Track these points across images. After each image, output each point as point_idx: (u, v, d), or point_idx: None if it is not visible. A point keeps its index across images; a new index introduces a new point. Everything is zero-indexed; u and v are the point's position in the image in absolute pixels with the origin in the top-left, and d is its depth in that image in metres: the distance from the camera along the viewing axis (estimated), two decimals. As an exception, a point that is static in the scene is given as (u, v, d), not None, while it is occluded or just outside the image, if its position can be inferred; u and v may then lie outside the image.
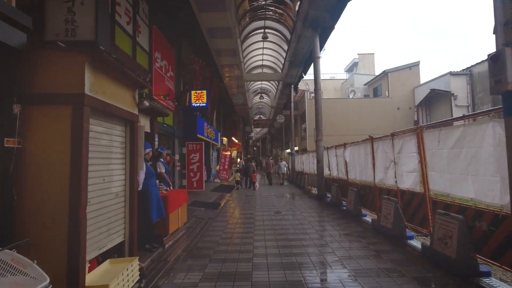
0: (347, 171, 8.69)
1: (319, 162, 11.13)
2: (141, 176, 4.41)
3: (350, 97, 29.87)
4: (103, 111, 3.21)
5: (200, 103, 12.38)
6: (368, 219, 7.21)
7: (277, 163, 18.96)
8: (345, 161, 8.75)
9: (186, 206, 7.29)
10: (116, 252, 3.76)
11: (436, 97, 23.13)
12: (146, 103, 4.13)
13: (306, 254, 4.71)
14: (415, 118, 25.66)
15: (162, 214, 4.80)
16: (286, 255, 4.66)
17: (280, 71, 21.38)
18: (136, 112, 4.00)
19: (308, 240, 5.52)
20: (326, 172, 11.18)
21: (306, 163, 15.76)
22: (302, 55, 14.99)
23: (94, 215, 3.10)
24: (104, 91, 3.07)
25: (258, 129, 57.87)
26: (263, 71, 23.54)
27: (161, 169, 6.46)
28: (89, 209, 2.97)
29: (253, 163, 18.34)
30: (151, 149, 4.91)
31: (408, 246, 4.96)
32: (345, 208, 8.78)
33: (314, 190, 13.69)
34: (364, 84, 30.36)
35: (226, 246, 5.13)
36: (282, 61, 20.49)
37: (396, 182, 5.61)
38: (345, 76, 38.51)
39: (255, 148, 70.43)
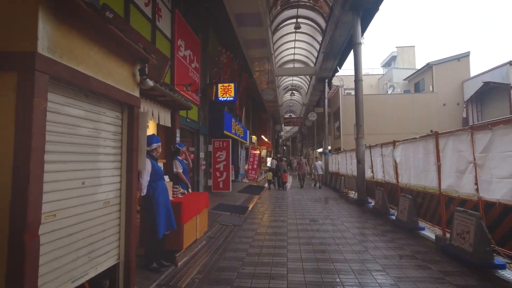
0: (397, 174, 7.32)
1: (360, 162, 9.76)
2: (145, 178, 3.48)
3: (389, 93, 27.67)
4: (80, 87, 2.26)
5: (227, 97, 11.46)
6: (429, 234, 5.84)
7: (312, 162, 17.13)
8: (395, 162, 7.38)
9: (208, 211, 6.36)
10: (107, 277, 2.84)
11: (491, 91, 20.55)
12: (150, 82, 3.19)
13: (359, 286, 3.54)
14: (464, 115, 23.14)
15: (173, 226, 3.85)
16: (331, 285, 3.52)
17: (313, 65, 20.03)
18: (136, 93, 3.06)
19: (357, 262, 4.33)
20: (368, 174, 9.79)
21: (342, 164, 14.34)
22: (339, 45, 13.60)
23: (66, 233, 2.18)
24: (77, 56, 2.13)
25: (288, 128, 56.49)
26: (295, 65, 22.29)
27: (178, 168, 5.56)
28: (55, 225, 2.06)
29: (283, 162, 17.20)
30: (159, 143, 3.97)
31: (504, 281, 3.61)
32: (393, 217, 7.42)
33: (352, 194, 12.29)
34: (404, 79, 28.03)
35: (254, 267, 4.08)
36: (315, 54, 19.14)
37: (477, 190, 4.24)
38: (381, 71, 36.08)
39: (284, 148, 69.06)
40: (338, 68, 18.27)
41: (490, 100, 21.11)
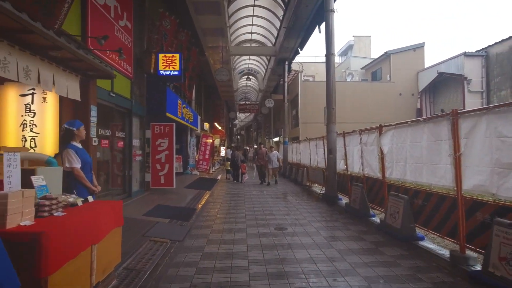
0: (383, 167, 5.84)
1: (331, 152, 8.24)
2: None
3: (348, 80, 27.12)
4: None
5: (170, 71, 9.16)
6: (433, 247, 4.41)
7: (266, 153, 13.08)
8: (381, 152, 5.89)
9: (138, 219, 4.25)
10: None
11: (444, 82, 20.72)
12: None
13: None
14: (418, 106, 23.32)
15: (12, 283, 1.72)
16: None
17: (272, 46, 18.25)
18: None
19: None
20: (340, 166, 8.32)
21: (305, 154, 12.90)
22: (305, 17, 11.92)
23: None
24: None
25: (242, 116, 54.71)
26: (252, 46, 20.31)
27: (71, 162, 3.36)
28: None
29: (240, 152, 15.37)
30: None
31: None
32: (376, 220, 5.99)
33: (318, 188, 10.89)
34: (362, 68, 27.68)
35: None
36: (275, 33, 17.35)
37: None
38: (338, 60, 35.70)
39: (239, 137, 67.36)
40: (300, 50, 16.76)
41: (443, 90, 21.35)
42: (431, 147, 4.41)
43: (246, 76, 28.11)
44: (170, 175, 8.96)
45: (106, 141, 6.50)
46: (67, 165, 3.30)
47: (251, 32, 19.42)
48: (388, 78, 23.58)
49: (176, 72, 9.16)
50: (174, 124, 9.05)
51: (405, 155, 5.10)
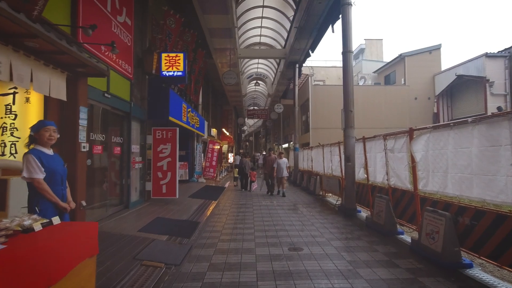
0: (415, 177, 4.99)
1: (349, 160, 7.42)
2: None
3: (360, 84, 26.22)
4: None
5: (174, 72, 8.53)
6: (489, 279, 3.55)
7: (276, 161, 11.38)
8: (412, 160, 5.05)
9: (133, 236, 3.54)
10: None
11: (464, 85, 19.68)
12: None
13: None
14: (435, 110, 22.26)
15: None
16: None
17: (281, 48, 17.57)
18: None
19: None
20: (359, 175, 7.50)
21: (318, 161, 12.07)
22: (317, 15, 11.22)
23: None
24: None
25: (251, 123, 54.09)
26: (261, 48, 19.68)
27: (29, 172, 2.64)
28: None
29: (248, 159, 14.54)
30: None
31: None
32: (408, 241, 5.13)
33: (333, 198, 10.05)
34: (374, 72, 26.78)
35: None
36: (285, 35, 16.69)
37: None
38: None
39: (247, 143, 66.74)
40: (311, 52, 16.03)
41: (461, 94, 20.28)
42: (484, 154, 3.58)
43: (254, 81, 27.48)
44: (173, 184, 8.25)
45: (100, 147, 5.84)
46: (25, 174, 2.59)
47: (260, 35, 18.82)
48: (403, 82, 22.63)
49: (180, 73, 8.52)
50: (178, 129, 8.37)
51: (446, 163, 4.26)
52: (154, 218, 6.55)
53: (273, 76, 25.28)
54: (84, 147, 4.99)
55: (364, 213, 7.76)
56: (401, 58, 22.62)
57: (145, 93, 8.32)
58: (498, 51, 17.63)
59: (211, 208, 8.40)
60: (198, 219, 6.88)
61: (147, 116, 8.37)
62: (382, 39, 32.77)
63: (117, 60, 6.57)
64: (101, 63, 5.71)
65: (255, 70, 26.20)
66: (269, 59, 22.55)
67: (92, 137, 5.61)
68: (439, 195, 4.56)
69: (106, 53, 6.03)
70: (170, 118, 8.64)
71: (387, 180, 6.07)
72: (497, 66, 17.43)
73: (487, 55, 17.42)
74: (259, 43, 19.79)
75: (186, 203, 8.63)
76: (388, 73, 24.98)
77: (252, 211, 8.19)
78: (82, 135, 4.97)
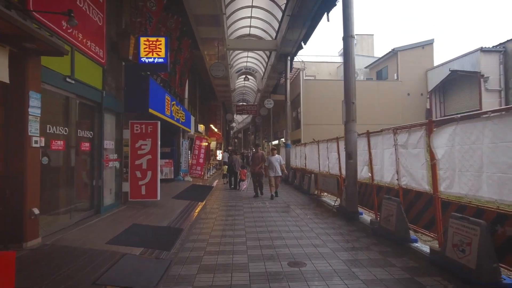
0: (435, 177, 4.25)
1: (351, 157, 6.67)
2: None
3: (351, 80, 25.61)
4: None
5: (154, 58, 7.59)
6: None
7: (267, 158, 10.45)
8: (431, 157, 4.31)
9: (99, 249, 2.64)
10: None
11: (457, 80, 19.29)
12: None
13: None
14: (428, 106, 21.88)
15: None
16: None
17: (273, 39, 16.71)
18: None
19: None
20: (362, 173, 6.76)
21: (312, 158, 11.31)
22: (312, 3, 10.43)
23: None
24: None
25: (239, 119, 53.16)
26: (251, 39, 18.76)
27: None
28: None
29: (237, 156, 13.78)
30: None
31: None
32: (426, 251, 4.39)
33: (328, 197, 9.34)
34: (366, 67, 26.27)
35: None
36: (276, 27, 15.85)
37: None
38: (339, 60, 34.30)
39: (236, 140, 65.84)
40: (303, 44, 15.29)
41: (454, 90, 19.92)
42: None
43: (244, 76, 26.58)
44: (153, 184, 7.32)
45: (61, 142, 4.88)
46: None
47: (250, 26, 17.90)
48: (396, 77, 22.15)
49: (161, 60, 7.57)
50: (159, 123, 7.44)
51: (480, 161, 3.52)
52: (129, 225, 5.63)
53: (263, 70, 24.43)
54: (36, 141, 4.04)
55: (366, 216, 7.04)
56: (393, 53, 22.12)
57: (121, 82, 7.34)
58: (493, 46, 17.28)
59: (197, 210, 7.52)
60: (182, 225, 6.00)
61: (123, 108, 7.40)
62: (373, 35, 32.34)
63: (85, 40, 5.59)
64: (61, 40, 4.74)
65: (245, 64, 25.29)
66: (259, 52, 21.69)
67: (50, 130, 4.64)
68: (467, 199, 3.83)
69: (69, 31, 5.06)
70: (151, 110, 7.69)
71: (397, 179, 5.33)
72: (492, 61, 17.08)
73: (482, 50, 17.04)
74: (249, 35, 18.87)
75: (169, 206, 7.72)
76: (380, 69, 24.50)
77: (242, 213, 7.35)
78: (34, 127, 4.02)
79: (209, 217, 6.94)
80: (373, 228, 5.74)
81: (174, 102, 10.71)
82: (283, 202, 9.07)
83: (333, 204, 8.37)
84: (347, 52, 6.90)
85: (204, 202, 8.89)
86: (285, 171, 10.88)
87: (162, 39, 7.62)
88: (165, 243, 4.81)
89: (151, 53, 7.55)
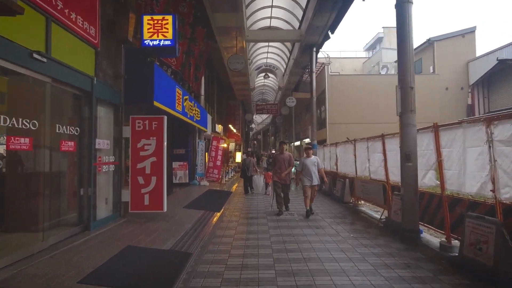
0: None
1: (409, 159, 5.08)
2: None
3: (382, 74, 23.68)
4: None
5: (160, 40, 6.31)
6: None
7: (300, 160, 7.67)
8: None
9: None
10: None
11: (505, 71, 17.03)
12: None
13: None
14: (469, 102, 19.63)
15: None
16: None
17: (296, 29, 15.21)
18: None
19: None
20: (425, 181, 5.16)
21: (346, 160, 9.72)
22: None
23: None
24: None
25: (259, 120, 51.86)
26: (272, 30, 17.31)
27: None
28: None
29: (253, 159, 12.52)
30: None
31: None
32: None
33: (367, 206, 7.81)
34: (396, 61, 24.18)
35: None
36: (300, 15, 14.38)
37: None
38: (365, 55, 32.27)
39: (255, 142, 64.65)
40: (330, 34, 13.74)
41: (503, 82, 17.63)
42: None
43: (263, 73, 25.19)
44: (159, 192, 6.02)
45: (25, 140, 3.62)
46: None
47: (271, 17, 16.49)
48: (431, 70, 20.05)
49: (168, 42, 6.28)
50: (165, 118, 6.14)
51: None
52: (122, 247, 4.32)
53: (285, 66, 22.97)
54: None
55: (428, 235, 5.45)
56: (429, 44, 20.04)
57: (120, 69, 6.11)
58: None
59: (211, 225, 6.15)
60: (190, 246, 4.64)
61: (123, 100, 6.16)
62: (402, 27, 29.98)
63: (67, 11, 4.37)
64: (30, 6, 3.50)
65: (264, 60, 23.91)
66: (281, 47, 20.28)
67: (7, 122, 3.40)
68: None
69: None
70: (156, 103, 6.42)
71: (491, 190, 3.72)
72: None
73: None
74: (270, 28, 17.47)
75: (178, 218, 6.39)
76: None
77: (267, 229, 5.91)
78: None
79: (226, 235, 5.54)
80: (450, 257, 4.14)
81: (187, 97, 9.45)
82: (314, 213, 7.55)
83: (378, 217, 6.79)
84: (402, 23, 5.31)
85: (220, 212, 7.52)
86: (325, 179, 8.01)
87: (169, 17, 6.32)
88: (164, 278, 3.44)
89: (156, 34, 6.28)
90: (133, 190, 6.00)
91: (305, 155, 7.56)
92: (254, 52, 21.03)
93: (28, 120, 3.68)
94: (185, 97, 9.19)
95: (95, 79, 5.05)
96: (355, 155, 8.81)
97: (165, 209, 6.08)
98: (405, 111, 5.21)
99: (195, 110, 10.95)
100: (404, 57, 5.29)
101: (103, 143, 5.37)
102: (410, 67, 5.23)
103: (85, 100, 4.99)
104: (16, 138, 3.48)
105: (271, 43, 20.40)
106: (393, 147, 6.32)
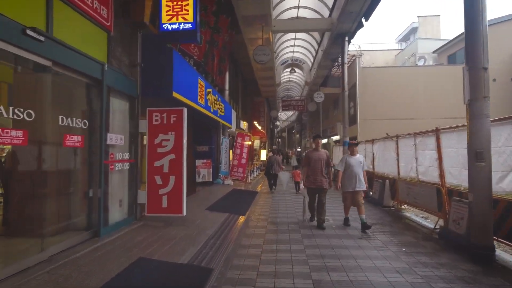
0: None
1: (481, 157, 4.06)
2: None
3: (419, 65, 21.96)
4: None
5: (180, 24, 5.65)
6: None
7: (343, 158, 6.10)
8: None
9: None
10: None
11: None
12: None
13: None
14: (521, 95, 17.61)
15: None
16: None
17: (326, 17, 14.16)
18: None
19: None
20: (503, 185, 4.12)
21: (386, 159, 8.68)
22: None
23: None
24: None
25: (283, 117, 50.81)
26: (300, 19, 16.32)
27: None
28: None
29: (278, 156, 11.97)
30: None
31: None
32: None
33: (409, 211, 6.80)
34: (434, 52, 22.33)
35: None
36: (330, 3, 13.34)
37: None
38: (398, 46, 30.33)
39: (279, 140, 63.64)
40: (364, 21, 12.59)
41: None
42: None
43: (289, 68, 24.21)
44: (178, 194, 5.38)
45: (20, 133, 3.05)
46: None
47: (298, 7, 15.51)
48: (476, 60, 18.16)
49: (188, 25, 5.61)
50: (185, 110, 5.48)
51: None
52: (133, 260, 3.69)
53: (312, 60, 21.89)
54: None
55: (501, 251, 4.41)
56: (474, 31, 18.13)
57: (136, 56, 5.51)
58: None
59: (235, 232, 5.43)
60: (212, 259, 3.93)
61: (140, 91, 5.56)
62: (439, 15, 27.87)
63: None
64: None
65: (291, 55, 22.94)
66: (308, 39, 19.25)
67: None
68: None
69: None
70: (176, 94, 5.78)
71: None
72: None
73: None
74: (297, 18, 16.50)
75: (199, 223, 5.73)
76: (454, 52, 20.52)
77: (301, 239, 5.10)
78: None
79: (253, 245, 4.79)
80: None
81: (210, 90, 8.79)
82: (352, 219, 6.63)
83: (428, 225, 5.79)
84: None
85: (246, 216, 6.79)
86: (366, 184, 5.97)
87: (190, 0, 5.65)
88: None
89: (175, 17, 5.62)
90: (149, 191, 5.40)
91: (348, 153, 6.22)
92: (280, 45, 20.14)
93: (21, 110, 3.10)
94: (208, 90, 8.53)
95: (106, 65, 4.46)
96: (397, 153, 7.76)
97: (184, 213, 5.43)
98: (475, 98, 4.19)
99: (219, 105, 10.30)
100: (474, 29, 4.26)
101: (116, 138, 4.79)
102: (483, 41, 4.20)
103: (95, 90, 4.41)
104: (5, 131, 2.91)
105: (298, 36, 19.44)
106: (452, 143, 5.29)
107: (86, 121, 4.22)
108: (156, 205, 5.39)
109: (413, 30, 28.87)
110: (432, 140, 5.96)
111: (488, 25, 13.51)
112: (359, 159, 5.97)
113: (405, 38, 30.37)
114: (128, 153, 5.23)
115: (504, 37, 17.88)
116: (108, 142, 4.56)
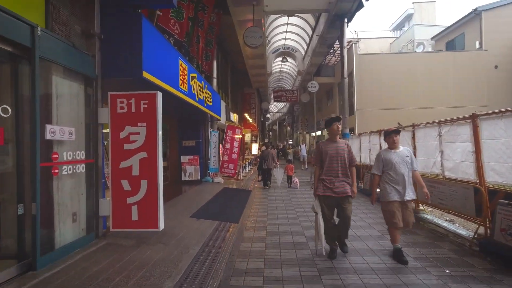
0: None
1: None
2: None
3: (417, 51, 21.03)
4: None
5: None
6: None
7: (379, 155, 4.11)
8: None
9: None
10: None
11: None
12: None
13: None
14: (524, 81, 16.89)
15: None
16: None
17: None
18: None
19: None
20: None
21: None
22: None
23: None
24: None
25: (274, 110, 49.69)
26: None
27: None
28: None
29: (273, 150, 11.11)
30: None
31: None
32: None
33: (430, 213, 5.78)
34: (432, 38, 21.40)
35: None
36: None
37: None
38: (393, 34, 29.39)
39: (270, 133, 62.62)
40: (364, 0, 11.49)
41: None
42: None
43: (281, 57, 22.99)
44: (151, 202, 4.16)
45: None
46: None
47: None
48: (478, 46, 17.33)
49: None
50: (159, 94, 4.22)
51: None
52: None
53: (305, 48, 20.72)
54: None
55: None
56: (475, 14, 17.26)
57: (92, 23, 4.20)
58: None
59: (228, 248, 4.25)
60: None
61: (99, 71, 4.27)
62: (435, 1, 26.93)
63: None
64: None
65: (282, 42, 21.72)
66: (301, 24, 18.03)
67: None
68: None
69: None
70: (146, 74, 4.50)
71: None
72: None
73: None
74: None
75: (182, 236, 4.53)
76: (453, 38, 19.63)
77: (311, 258, 3.96)
78: None
79: (250, 270, 3.63)
80: None
81: (194, 75, 7.52)
82: (363, 224, 5.55)
83: (457, 230, 4.77)
84: None
85: (239, 223, 5.63)
86: (425, 190, 4.16)
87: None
88: None
89: (144, -25, 4.33)
90: (115, 200, 4.16)
91: (390, 145, 4.10)
92: (272, 31, 18.87)
93: None
94: (192, 75, 7.26)
95: (39, 28, 3.16)
96: (414, 146, 6.69)
97: (161, 227, 4.22)
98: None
99: (206, 93, 9.03)
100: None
101: (61, 131, 3.52)
102: None
103: (24, 63, 3.12)
104: None
105: (290, 21, 18.20)
106: (498, 133, 4.21)
107: (7, 106, 2.94)
108: (123, 218, 4.16)
109: (408, 17, 27.94)
110: (466, 129, 4.88)
111: (493, 7, 12.17)
112: (404, 153, 4.02)
113: (400, 26, 29.44)
114: (83, 152, 3.96)
115: (509, 20, 17.06)
116: (49, 137, 3.29)
